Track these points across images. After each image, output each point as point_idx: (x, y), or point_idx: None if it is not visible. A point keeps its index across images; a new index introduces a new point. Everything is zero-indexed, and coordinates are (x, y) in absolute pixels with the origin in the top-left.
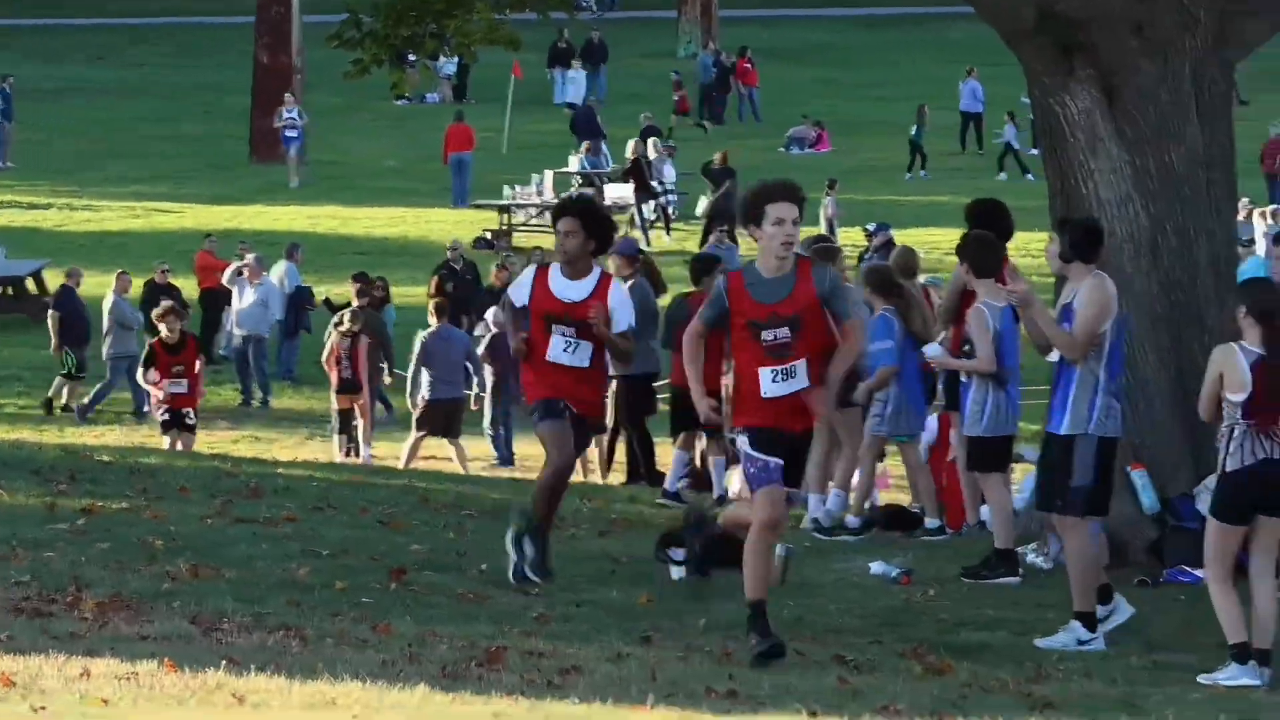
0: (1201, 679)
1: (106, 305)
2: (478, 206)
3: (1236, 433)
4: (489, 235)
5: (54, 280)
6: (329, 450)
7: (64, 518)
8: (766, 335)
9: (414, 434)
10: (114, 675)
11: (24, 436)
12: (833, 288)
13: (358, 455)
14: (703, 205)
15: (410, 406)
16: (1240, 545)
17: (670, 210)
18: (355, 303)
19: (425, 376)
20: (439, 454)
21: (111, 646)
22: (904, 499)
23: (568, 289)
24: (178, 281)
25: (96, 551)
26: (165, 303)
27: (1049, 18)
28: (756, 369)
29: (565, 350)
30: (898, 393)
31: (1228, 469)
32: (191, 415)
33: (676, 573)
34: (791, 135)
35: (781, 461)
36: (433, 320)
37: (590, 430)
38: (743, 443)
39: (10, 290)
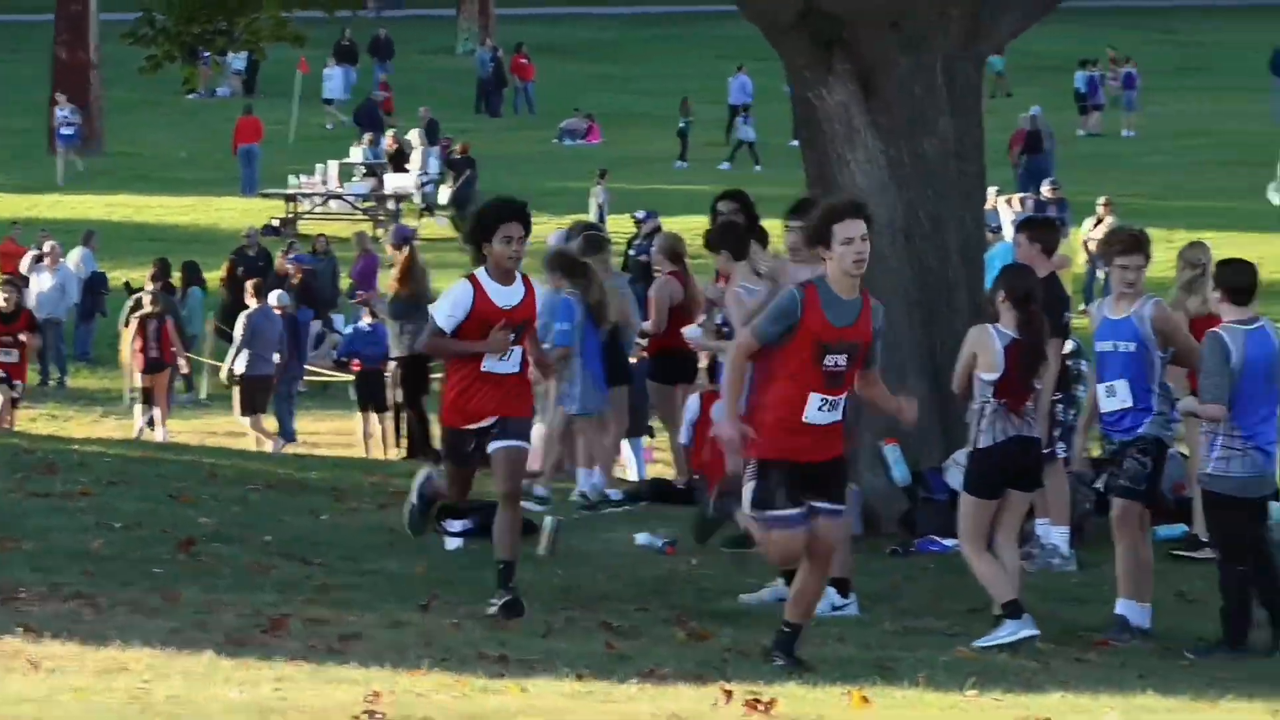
0: (980, 643)
1: None
2: (266, 195)
3: (988, 411)
4: (276, 223)
5: None
6: (124, 428)
7: None
8: (829, 361)
9: (247, 417)
10: None
11: None
12: (880, 327)
13: (153, 431)
14: (445, 194)
15: (226, 381)
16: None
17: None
18: (150, 286)
19: (244, 353)
20: (235, 430)
21: None
22: (669, 474)
23: (501, 295)
24: None
25: None
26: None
27: (809, 14)
28: (805, 393)
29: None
30: (582, 373)
31: (980, 445)
32: (19, 387)
33: (451, 544)
34: (564, 127)
35: (802, 511)
36: (253, 301)
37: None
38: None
39: None
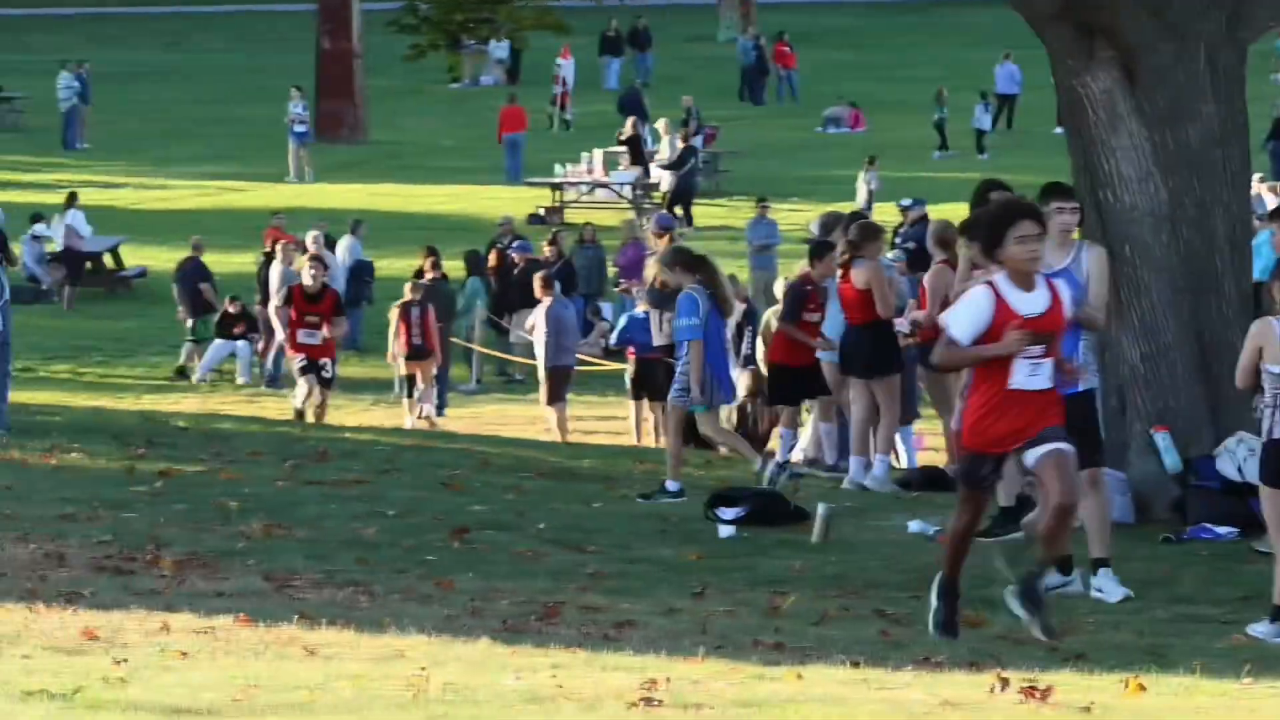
0: (1253, 631)
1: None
2: (531, 184)
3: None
4: (542, 211)
5: (130, 256)
6: (394, 416)
7: (143, 480)
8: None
9: (553, 407)
10: (192, 630)
11: (104, 404)
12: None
13: (428, 419)
14: (667, 183)
15: (541, 375)
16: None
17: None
18: (429, 275)
19: (549, 344)
20: (492, 420)
21: (189, 602)
22: (940, 461)
23: (1024, 301)
24: (244, 258)
25: (174, 512)
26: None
27: (1072, 2)
28: None
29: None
30: (706, 365)
31: (1275, 436)
32: (329, 368)
33: (724, 531)
34: (827, 115)
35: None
36: (544, 294)
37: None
38: None
39: (90, 265)
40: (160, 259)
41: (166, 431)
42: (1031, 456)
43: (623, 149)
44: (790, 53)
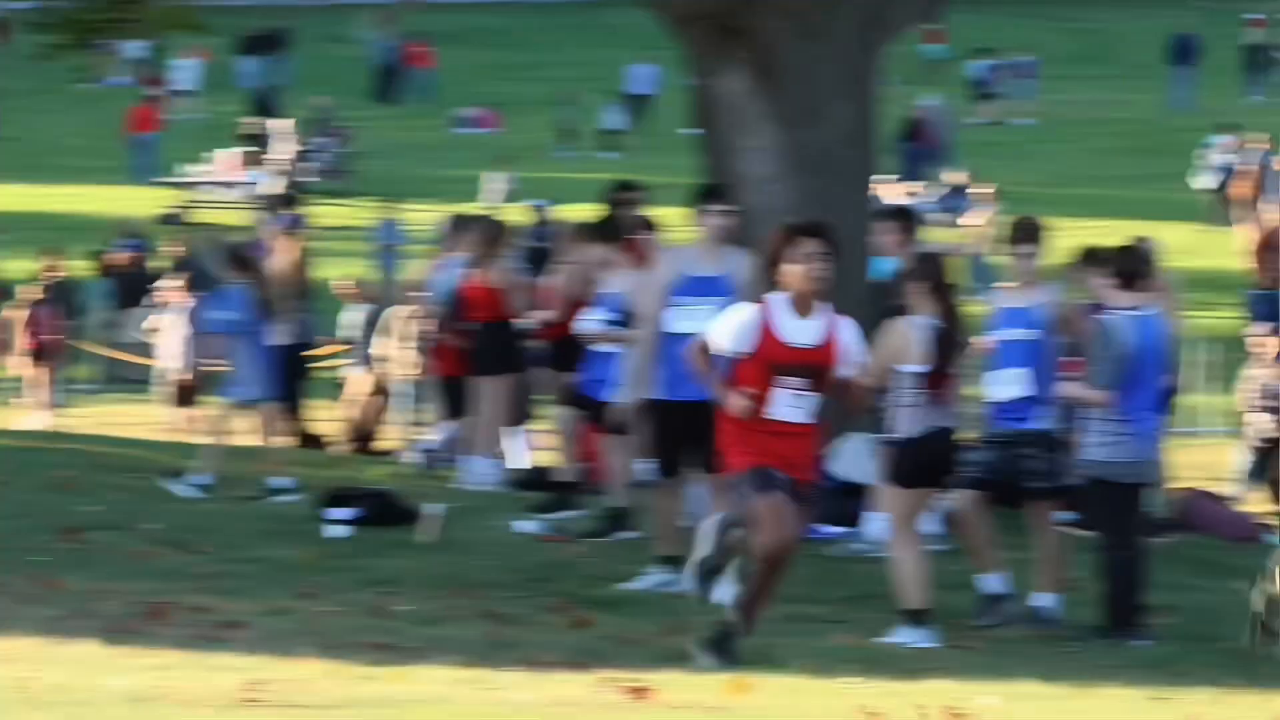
0: (880, 640)
1: None
2: (157, 184)
3: (911, 401)
4: (173, 210)
5: None
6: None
7: None
8: None
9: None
10: None
11: None
12: None
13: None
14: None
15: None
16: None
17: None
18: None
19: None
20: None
21: None
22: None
23: (798, 330)
24: None
25: None
26: None
27: (705, 3)
28: None
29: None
30: (247, 361)
31: (906, 436)
32: None
33: (335, 531)
34: (460, 116)
35: None
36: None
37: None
38: None
39: None
40: None
41: None
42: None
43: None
44: (426, 53)
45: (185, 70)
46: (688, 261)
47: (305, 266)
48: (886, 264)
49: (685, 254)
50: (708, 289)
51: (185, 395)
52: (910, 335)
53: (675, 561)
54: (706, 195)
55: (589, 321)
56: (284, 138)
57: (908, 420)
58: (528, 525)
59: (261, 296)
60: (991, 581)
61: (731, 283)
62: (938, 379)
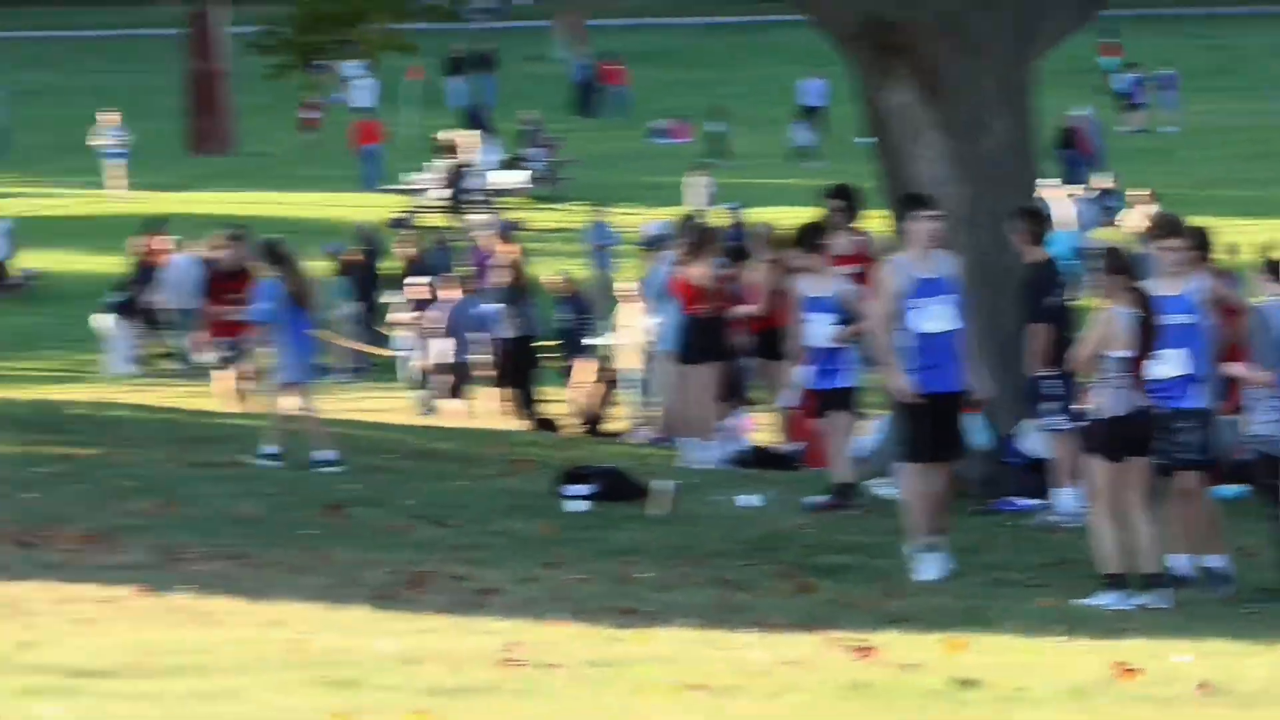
0: (1080, 602)
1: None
2: (386, 191)
3: (1116, 384)
4: (400, 216)
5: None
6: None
7: (43, 463)
8: None
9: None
10: (94, 599)
11: (4, 394)
12: None
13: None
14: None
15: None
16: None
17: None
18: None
19: (450, 343)
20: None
21: (90, 574)
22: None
23: None
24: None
25: (74, 492)
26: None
27: (871, 22)
28: None
29: None
30: (284, 347)
31: (1111, 414)
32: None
33: (574, 506)
34: (654, 128)
35: None
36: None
37: None
38: None
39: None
40: (55, 261)
41: (63, 419)
42: None
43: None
44: (619, 70)
45: (362, 90)
46: (910, 266)
47: (523, 267)
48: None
49: (905, 259)
50: (934, 290)
51: (451, 384)
52: (1116, 323)
53: (933, 546)
54: (914, 203)
55: (818, 324)
56: (470, 150)
57: (1112, 400)
58: (750, 500)
59: (293, 290)
60: (1214, 560)
61: (951, 283)
62: (1138, 363)
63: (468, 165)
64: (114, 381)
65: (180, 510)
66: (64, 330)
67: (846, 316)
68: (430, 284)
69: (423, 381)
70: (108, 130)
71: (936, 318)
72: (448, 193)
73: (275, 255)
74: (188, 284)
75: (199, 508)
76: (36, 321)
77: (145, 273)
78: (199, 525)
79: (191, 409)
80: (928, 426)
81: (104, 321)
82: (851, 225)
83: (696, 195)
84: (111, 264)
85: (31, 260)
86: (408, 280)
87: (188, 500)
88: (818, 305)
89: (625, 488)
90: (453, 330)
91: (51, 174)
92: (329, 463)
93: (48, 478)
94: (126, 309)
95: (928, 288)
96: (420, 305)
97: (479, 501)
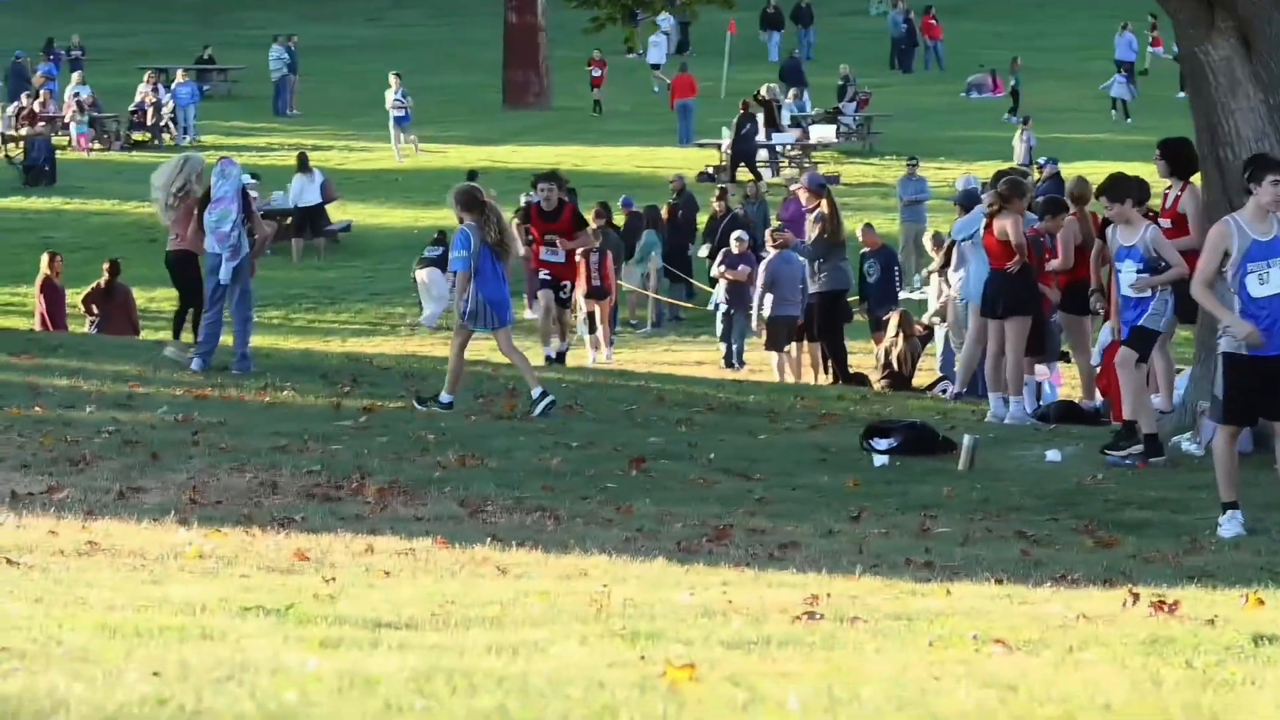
0: None
1: None
2: (701, 145)
3: None
4: (711, 170)
5: (336, 213)
6: (576, 355)
7: (348, 415)
8: None
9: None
10: (394, 551)
11: (312, 346)
12: None
13: (596, 353)
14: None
15: (755, 326)
16: None
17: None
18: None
19: (769, 297)
20: (664, 359)
21: (391, 526)
22: (1075, 396)
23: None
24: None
25: (377, 444)
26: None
27: None
28: None
29: None
30: (477, 293)
31: None
32: (567, 288)
33: (878, 460)
34: (971, 83)
35: None
36: (770, 249)
37: None
38: None
39: (291, 221)
40: (363, 215)
41: (369, 371)
42: None
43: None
44: (936, 25)
45: (658, 45)
46: (1249, 227)
47: (836, 220)
48: None
49: (1244, 219)
50: (1271, 252)
51: (772, 340)
52: None
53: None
54: (1264, 165)
55: (1126, 273)
56: (782, 104)
57: None
58: (1053, 454)
59: (491, 239)
60: None
61: None
62: None
63: (778, 120)
64: (432, 334)
65: (483, 463)
66: (369, 284)
67: (1154, 265)
68: (742, 238)
69: (731, 334)
70: (392, 94)
71: (1271, 282)
72: (760, 148)
73: (473, 202)
74: None
75: (501, 460)
76: (344, 275)
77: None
78: (501, 477)
79: (500, 361)
80: (1249, 388)
81: (422, 275)
82: (1180, 179)
83: (1015, 149)
84: (415, 217)
85: (340, 213)
86: (722, 234)
87: (490, 453)
88: (1126, 254)
89: (928, 441)
90: (766, 284)
91: (361, 128)
92: (543, 400)
93: (352, 430)
94: (443, 262)
95: (1264, 250)
96: (734, 260)
97: (783, 455)
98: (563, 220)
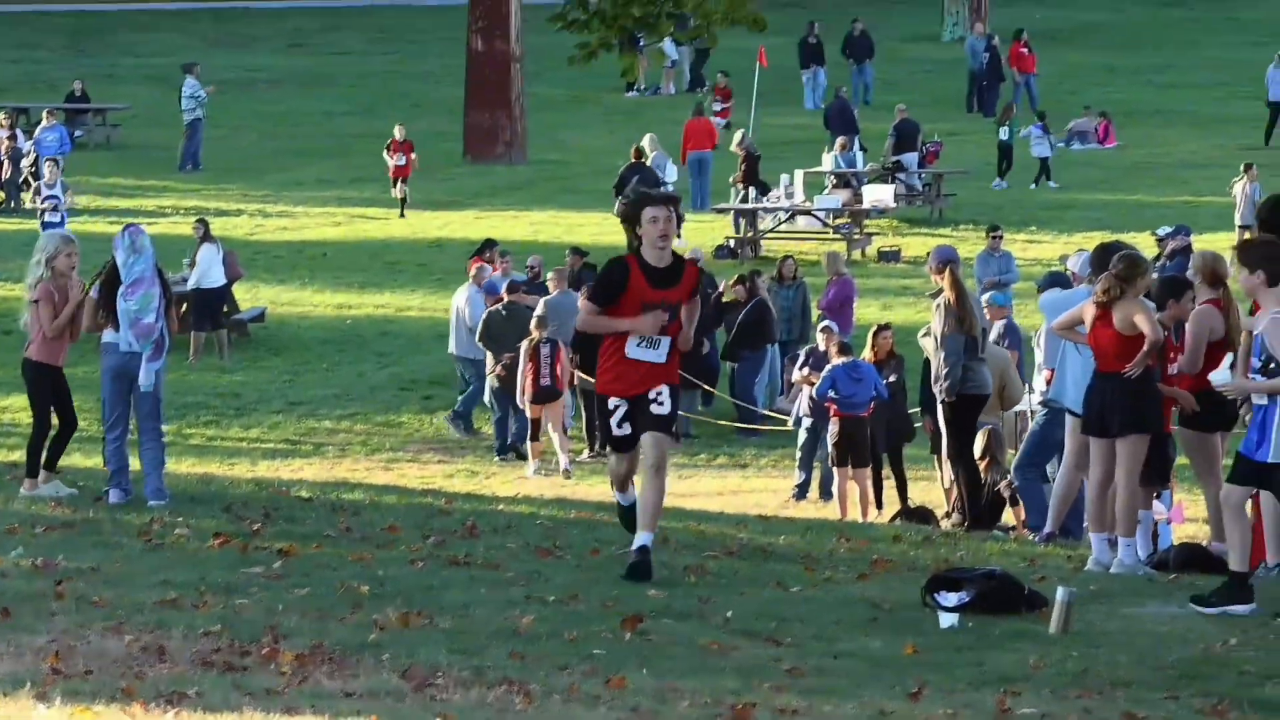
0: None
1: (461, 301)
2: (719, 211)
3: None
4: (731, 243)
5: (246, 296)
6: (554, 484)
7: (258, 561)
8: None
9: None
10: None
11: (213, 470)
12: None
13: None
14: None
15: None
16: None
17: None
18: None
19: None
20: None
21: (313, 704)
22: (1202, 537)
23: None
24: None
25: (295, 598)
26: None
27: None
28: None
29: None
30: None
31: None
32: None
33: (946, 620)
34: (1073, 129)
35: None
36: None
37: None
38: None
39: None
40: (280, 300)
41: (286, 503)
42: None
43: (827, 169)
44: (1029, 55)
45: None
46: None
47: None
48: None
49: None
50: None
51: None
52: None
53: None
54: None
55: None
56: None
57: None
58: (1172, 611)
59: None
60: None
61: None
62: None
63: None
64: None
65: (432, 622)
66: (287, 390)
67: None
68: (830, 328)
69: (813, 457)
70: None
71: None
72: (795, 216)
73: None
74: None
75: (456, 618)
76: (255, 378)
77: None
78: (456, 640)
79: (455, 491)
80: None
81: None
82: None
83: (1236, 200)
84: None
85: (249, 297)
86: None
87: (442, 609)
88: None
89: (1011, 596)
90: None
91: (278, 187)
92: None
93: (263, 579)
94: None
95: None
96: (820, 360)
97: (822, 612)
98: None
